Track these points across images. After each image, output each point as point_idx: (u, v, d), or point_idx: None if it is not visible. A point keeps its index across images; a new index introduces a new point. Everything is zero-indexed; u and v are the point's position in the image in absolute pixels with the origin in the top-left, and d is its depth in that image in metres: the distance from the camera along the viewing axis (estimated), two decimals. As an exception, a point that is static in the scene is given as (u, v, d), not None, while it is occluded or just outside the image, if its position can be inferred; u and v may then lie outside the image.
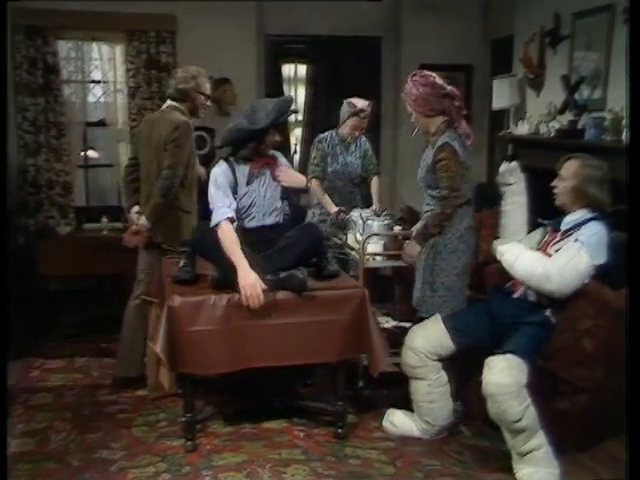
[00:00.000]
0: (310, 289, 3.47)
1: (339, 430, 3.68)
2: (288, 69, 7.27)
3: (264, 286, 3.37)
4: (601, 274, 3.27)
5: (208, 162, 4.86)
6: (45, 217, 6.18)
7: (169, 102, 4.19)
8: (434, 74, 3.72)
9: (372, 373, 3.57)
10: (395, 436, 3.72)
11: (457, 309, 3.70)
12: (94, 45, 6.31)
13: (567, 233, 3.40)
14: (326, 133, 4.91)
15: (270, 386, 4.01)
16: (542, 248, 3.50)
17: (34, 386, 4.35)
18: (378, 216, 4.24)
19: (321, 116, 7.02)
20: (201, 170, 4.35)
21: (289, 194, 3.82)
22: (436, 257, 3.73)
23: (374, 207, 4.70)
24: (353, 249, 4.18)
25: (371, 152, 5.01)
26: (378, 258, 4.13)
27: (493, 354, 3.25)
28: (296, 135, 7.34)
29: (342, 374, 3.69)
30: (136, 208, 4.24)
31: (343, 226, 4.55)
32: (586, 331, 3.21)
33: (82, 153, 6.50)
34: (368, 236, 4.02)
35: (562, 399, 3.27)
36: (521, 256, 3.38)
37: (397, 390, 4.00)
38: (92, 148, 6.58)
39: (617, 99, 4.55)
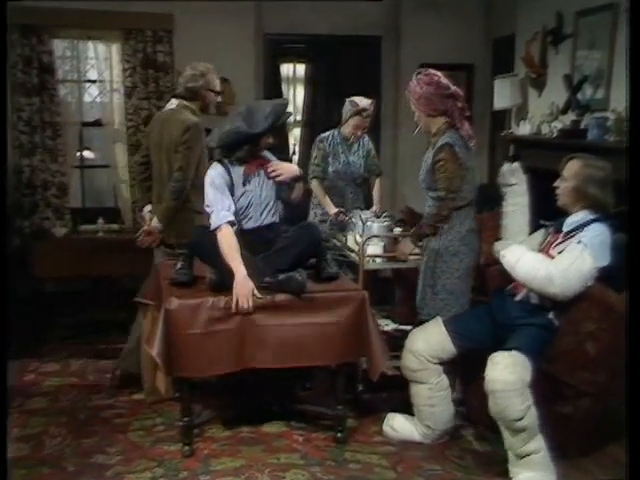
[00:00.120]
0: (309, 291, 3.47)
1: (339, 434, 3.68)
2: (287, 69, 7.25)
3: (258, 295, 3.37)
4: (604, 276, 3.27)
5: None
6: (40, 218, 6.17)
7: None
8: (439, 73, 3.72)
9: (372, 377, 3.56)
10: (395, 440, 3.71)
11: (459, 312, 3.70)
12: (90, 44, 6.29)
13: (569, 234, 3.39)
14: (328, 132, 4.90)
15: (269, 389, 4.01)
16: (544, 250, 3.50)
17: (29, 390, 4.35)
18: (378, 217, 4.23)
19: (320, 116, 7.01)
20: None
21: (284, 197, 3.82)
22: (437, 259, 3.73)
23: (374, 208, 4.70)
24: (353, 251, 4.18)
25: (374, 152, 5.02)
26: (378, 260, 4.12)
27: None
28: (295, 135, 7.33)
29: (341, 377, 3.69)
30: (148, 207, 4.26)
31: (343, 227, 4.55)
32: (589, 334, 3.21)
33: (78, 153, 6.49)
34: (368, 238, 4.02)
35: (565, 403, 3.27)
36: (523, 258, 3.37)
37: (397, 394, 3.99)
38: (88, 148, 6.58)
39: (620, 99, 4.54)
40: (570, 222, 3.44)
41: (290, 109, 6.34)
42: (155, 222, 4.09)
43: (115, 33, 6.21)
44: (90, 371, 4.70)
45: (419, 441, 3.69)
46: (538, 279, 3.29)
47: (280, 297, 3.43)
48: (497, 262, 3.58)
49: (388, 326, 4.58)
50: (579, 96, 5.15)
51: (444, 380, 3.64)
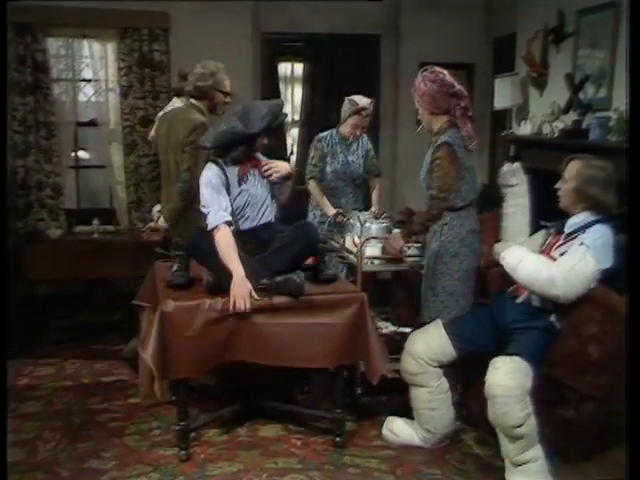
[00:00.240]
0: (307, 293, 3.47)
1: (337, 438, 3.67)
2: (285, 68, 7.25)
3: (256, 297, 3.37)
4: (607, 278, 3.26)
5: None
6: (34, 220, 6.16)
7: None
8: (445, 71, 3.72)
9: (371, 380, 3.56)
10: (395, 444, 3.71)
11: (459, 314, 3.70)
12: (85, 42, 6.28)
13: (571, 236, 3.39)
14: (326, 132, 4.90)
15: (267, 393, 4.00)
16: (545, 251, 3.49)
17: (23, 394, 4.34)
18: (377, 219, 4.23)
19: (318, 116, 7.01)
20: None
21: (277, 196, 3.82)
22: (437, 261, 3.73)
23: (373, 209, 4.69)
24: (351, 252, 4.17)
25: (373, 152, 5.01)
26: (376, 261, 4.12)
27: (496, 359, 3.24)
28: (293, 135, 7.33)
29: (340, 381, 3.69)
30: (157, 207, 4.28)
31: (342, 229, 4.55)
32: (592, 337, 3.20)
33: (73, 154, 6.49)
34: (366, 239, 4.01)
35: (567, 407, 3.26)
36: (524, 260, 3.36)
37: (397, 397, 3.99)
38: (83, 149, 6.58)
39: (623, 98, 4.53)
40: (572, 223, 3.43)
41: (288, 109, 6.36)
42: (162, 221, 4.12)
43: (110, 31, 6.20)
44: (85, 374, 4.70)
45: (419, 445, 3.68)
46: (540, 281, 3.29)
47: (278, 299, 3.43)
48: (497, 264, 3.58)
49: (387, 328, 4.57)
50: (581, 95, 5.15)
51: (444, 383, 3.63)
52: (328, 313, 3.47)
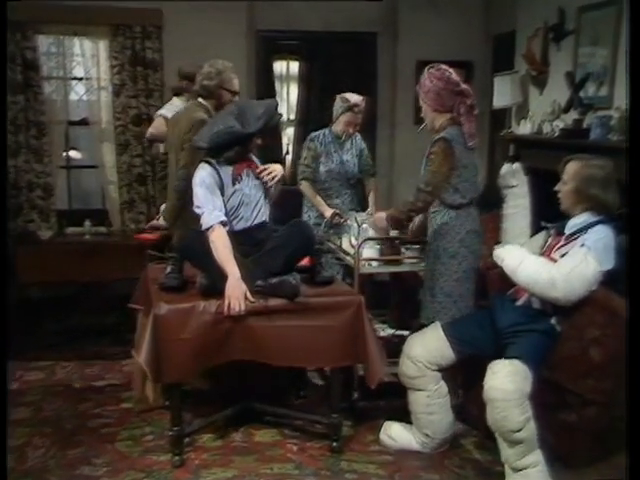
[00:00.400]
0: (303, 296, 3.46)
1: (334, 443, 3.67)
2: (280, 66, 7.25)
3: (251, 299, 3.37)
4: (609, 280, 3.25)
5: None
6: (25, 221, 6.15)
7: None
8: (451, 70, 3.75)
9: (369, 384, 3.55)
10: (393, 449, 3.71)
11: (457, 316, 3.69)
12: (76, 40, 6.27)
13: (572, 237, 3.38)
14: (319, 131, 4.89)
15: (262, 397, 3.99)
16: (545, 253, 3.49)
17: (12, 399, 4.31)
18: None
19: (314, 115, 7.00)
20: None
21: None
22: (436, 261, 3.74)
23: (370, 210, 4.69)
24: (348, 254, 4.17)
25: (367, 152, 5.00)
26: (374, 263, 4.11)
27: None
28: (288, 135, 7.32)
29: (337, 385, 3.68)
30: (164, 206, 4.30)
31: (338, 230, 4.54)
32: (594, 340, 3.19)
33: (64, 154, 6.47)
34: (363, 240, 4.01)
35: (569, 412, 3.25)
36: (525, 261, 3.36)
37: (395, 401, 3.98)
38: (74, 148, 6.56)
39: (624, 97, 4.53)
40: (572, 224, 3.43)
41: (283, 107, 6.35)
42: (162, 220, 4.14)
43: (102, 29, 6.19)
44: (76, 379, 4.68)
45: (417, 450, 3.68)
46: (540, 283, 3.28)
47: (273, 301, 3.42)
48: (497, 266, 3.57)
49: (384, 331, 4.56)
50: (582, 94, 5.15)
51: (443, 387, 3.63)
52: (324, 316, 3.46)
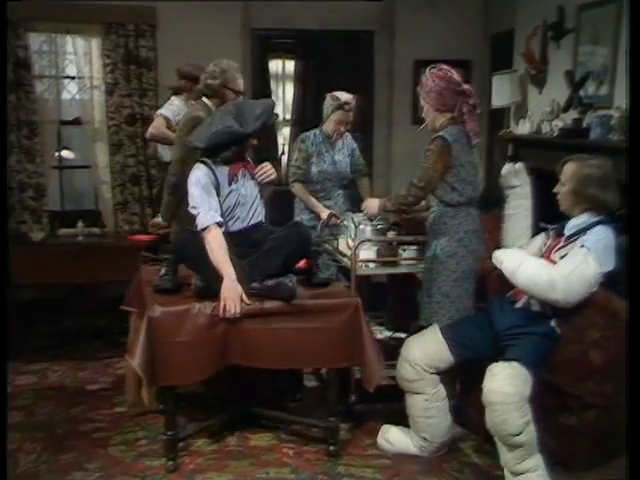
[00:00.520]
0: (299, 298, 3.46)
1: (331, 447, 3.67)
2: (275, 65, 7.25)
3: (247, 301, 3.36)
4: (609, 282, 3.25)
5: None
6: (17, 222, 6.14)
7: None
8: (453, 70, 3.78)
9: (367, 387, 3.55)
10: (391, 453, 3.71)
11: (456, 318, 3.69)
12: (68, 38, 6.25)
13: (571, 238, 3.38)
14: (309, 132, 4.88)
15: (258, 400, 3.99)
16: (545, 254, 3.49)
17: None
18: (371, 221, 4.22)
19: (310, 114, 7.00)
20: None
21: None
22: (434, 261, 3.74)
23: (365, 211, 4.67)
24: (345, 255, 4.16)
25: (359, 151, 4.99)
26: (371, 265, 4.11)
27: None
28: (284, 135, 7.32)
29: (334, 388, 3.67)
30: None
31: (335, 231, 4.53)
32: (594, 342, 3.18)
33: (56, 153, 6.44)
34: (360, 242, 4.01)
35: (569, 415, 3.24)
36: (524, 263, 3.36)
37: (392, 405, 3.97)
38: (67, 148, 6.53)
39: (624, 96, 4.55)
40: (572, 225, 3.42)
41: (279, 107, 6.34)
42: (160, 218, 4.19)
43: (95, 27, 6.19)
44: (68, 382, 4.67)
45: (415, 454, 3.68)
46: (540, 285, 3.28)
47: (269, 304, 3.42)
48: (495, 268, 3.57)
49: (382, 333, 4.56)
50: (581, 93, 5.15)
51: (441, 390, 3.63)
52: (321, 318, 3.46)
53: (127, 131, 6.25)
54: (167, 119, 5.08)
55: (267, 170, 3.74)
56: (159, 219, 4.28)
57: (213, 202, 3.54)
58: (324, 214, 4.66)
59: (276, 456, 3.67)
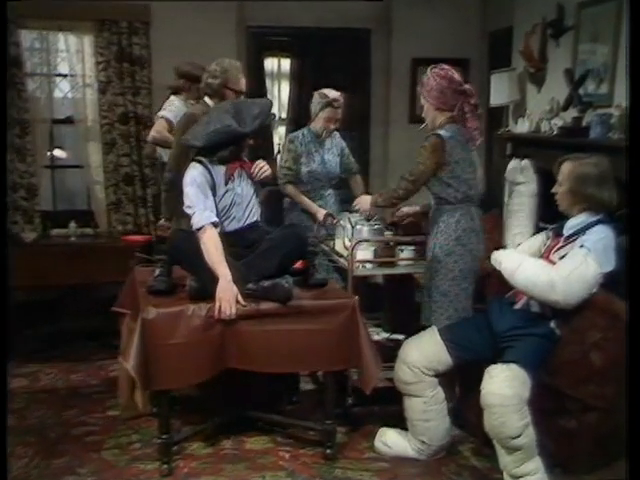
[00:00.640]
0: (296, 299, 3.45)
1: (327, 450, 3.67)
2: (271, 63, 7.23)
3: (242, 302, 3.36)
4: (610, 282, 3.26)
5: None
6: (8, 222, 6.11)
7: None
8: (453, 69, 3.82)
9: (364, 389, 3.56)
10: (388, 456, 3.71)
11: (455, 317, 3.69)
12: (60, 35, 6.22)
13: (570, 238, 3.39)
14: (297, 132, 4.86)
15: (253, 403, 3.98)
16: (544, 255, 3.49)
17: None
18: (368, 221, 4.22)
19: (305, 113, 6.98)
20: None
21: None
22: (432, 260, 3.75)
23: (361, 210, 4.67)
24: (342, 256, 4.16)
25: (348, 150, 4.97)
26: (368, 265, 4.11)
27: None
28: (280, 134, 7.31)
29: (330, 390, 3.67)
30: None
31: (331, 232, 4.53)
32: (594, 344, 3.19)
33: (48, 153, 6.44)
34: (357, 242, 4.00)
35: (569, 418, 3.25)
36: (523, 264, 3.36)
37: (390, 407, 3.98)
38: (59, 147, 6.53)
39: (624, 94, 4.55)
40: (571, 225, 3.43)
41: (275, 105, 6.32)
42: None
43: (87, 24, 6.15)
44: (61, 385, 4.67)
45: (413, 457, 3.68)
46: (539, 286, 3.28)
47: (265, 305, 3.41)
48: (494, 269, 3.57)
49: (379, 335, 4.56)
50: (581, 92, 5.15)
51: (439, 393, 3.63)
52: (318, 319, 3.46)
53: (120, 130, 6.23)
54: (169, 121, 5.01)
55: (263, 166, 3.75)
56: (163, 221, 4.30)
57: (209, 202, 3.54)
58: (320, 214, 4.64)
59: (272, 459, 3.67)
